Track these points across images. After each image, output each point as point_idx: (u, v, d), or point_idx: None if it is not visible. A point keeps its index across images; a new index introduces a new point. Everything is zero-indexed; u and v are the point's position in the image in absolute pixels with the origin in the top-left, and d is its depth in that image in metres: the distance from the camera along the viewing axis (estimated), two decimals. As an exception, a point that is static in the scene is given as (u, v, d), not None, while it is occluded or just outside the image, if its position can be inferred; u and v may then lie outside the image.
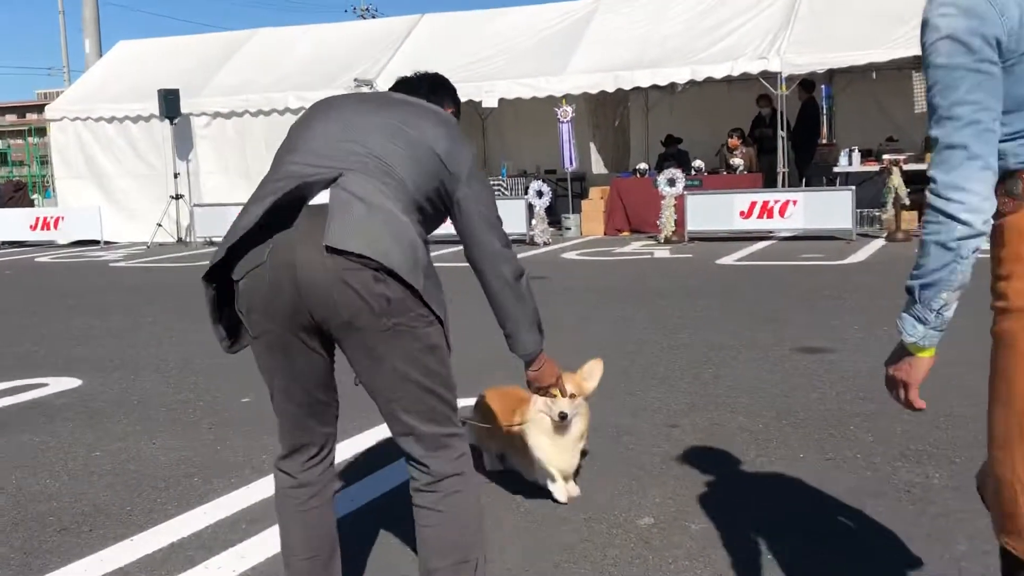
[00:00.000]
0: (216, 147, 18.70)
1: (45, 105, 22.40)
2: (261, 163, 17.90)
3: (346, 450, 4.77)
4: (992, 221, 1.92)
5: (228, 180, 18.61)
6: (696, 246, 14.31)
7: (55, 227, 19.50)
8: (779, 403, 5.42)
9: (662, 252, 13.85)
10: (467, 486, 2.74)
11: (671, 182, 14.89)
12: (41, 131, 31.01)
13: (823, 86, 16.98)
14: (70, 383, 6.71)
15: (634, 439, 4.86)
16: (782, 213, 14.46)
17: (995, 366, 2.00)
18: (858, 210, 14.23)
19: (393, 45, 18.48)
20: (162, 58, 20.19)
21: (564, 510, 3.94)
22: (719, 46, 15.84)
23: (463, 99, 3.49)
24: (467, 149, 2.79)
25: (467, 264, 2.84)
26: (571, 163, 16.60)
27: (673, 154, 17.12)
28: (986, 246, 2.01)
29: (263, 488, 4.38)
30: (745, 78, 15.75)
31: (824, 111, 17.13)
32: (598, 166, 19.98)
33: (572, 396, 3.82)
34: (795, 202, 14.45)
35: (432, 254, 2.68)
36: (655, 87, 16.93)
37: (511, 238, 2.93)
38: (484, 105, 16.73)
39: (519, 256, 2.89)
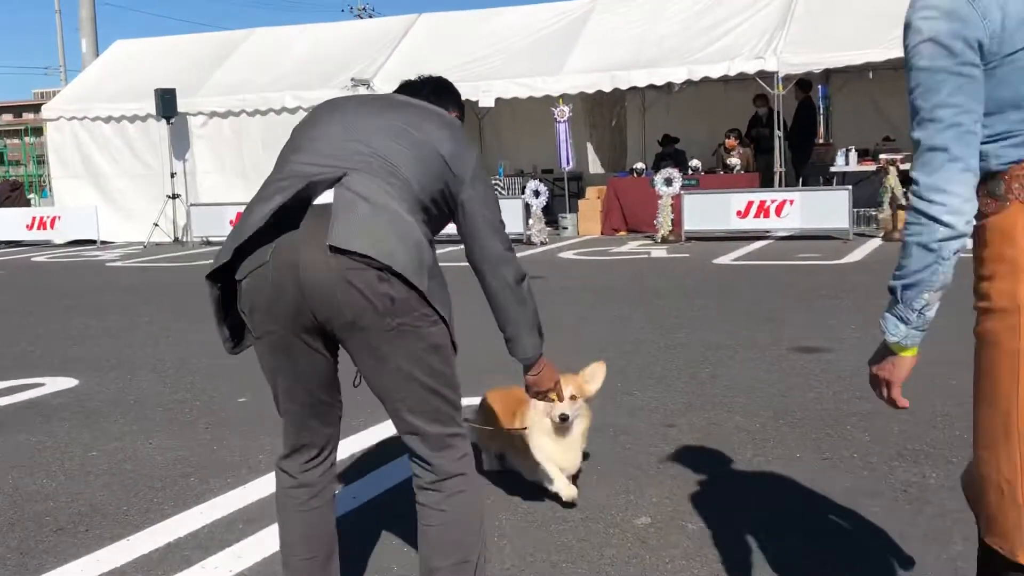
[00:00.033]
0: (213, 147, 18.68)
1: (42, 104, 22.39)
2: (258, 163, 17.92)
3: (347, 447, 4.77)
4: (974, 222, 1.94)
5: (225, 180, 18.60)
6: (693, 246, 14.32)
7: (51, 227, 19.47)
8: (776, 403, 5.42)
9: (659, 252, 13.85)
10: (471, 486, 2.74)
11: (668, 182, 14.90)
12: (38, 131, 30.97)
13: (820, 86, 16.99)
14: (67, 383, 6.70)
15: (631, 439, 4.86)
16: (779, 213, 14.47)
17: (979, 366, 2.02)
18: (855, 210, 14.24)
19: (390, 45, 18.47)
20: (159, 57, 20.17)
21: (561, 510, 3.94)
22: (716, 46, 15.84)
23: (460, 99, 3.48)
24: (471, 152, 2.79)
25: (467, 264, 2.84)
26: (568, 163, 16.60)
27: (670, 154, 17.12)
28: (969, 246, 2.03)
29: (260, 488, 4.38)
30: (742, 78, 15.75)
31: (821, 111, 17.15)
32: (595, 166, 19.97)
33: (573, 397, 3.80)
34: (792, 202, 14.46)
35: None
36: (652, 87, 16.94)
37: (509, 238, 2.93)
38: (481, 105, 16.72)
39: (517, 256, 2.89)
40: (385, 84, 16.93)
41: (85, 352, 7.80)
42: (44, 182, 24.98)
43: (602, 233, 16.57)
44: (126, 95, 18.96)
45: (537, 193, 15.66)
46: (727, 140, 16.43)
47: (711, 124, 17.39)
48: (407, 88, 3.10)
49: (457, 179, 2.72)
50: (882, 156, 14.36)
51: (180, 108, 18.04)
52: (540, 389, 3.17)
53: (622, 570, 3.41)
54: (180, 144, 18.57)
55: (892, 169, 13.62)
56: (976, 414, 2.05)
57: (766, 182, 15.85)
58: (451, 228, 2.81)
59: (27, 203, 23.64)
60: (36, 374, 7.02)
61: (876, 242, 13.53)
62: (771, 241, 14.46)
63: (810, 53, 14.88)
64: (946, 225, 1.88)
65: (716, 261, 12.39)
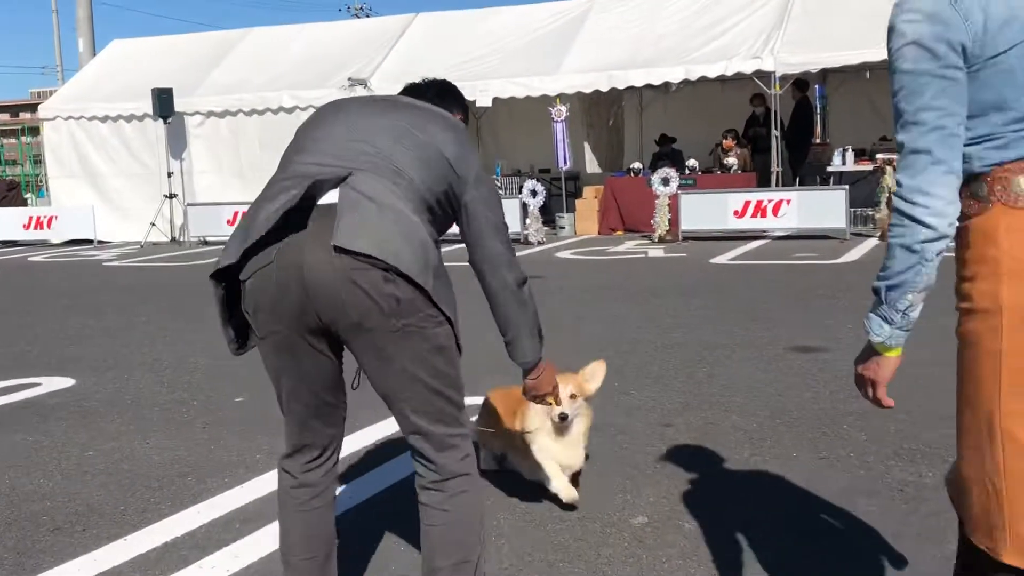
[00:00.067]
0: (210, 146, 18.67)
1: (38, 104, 22.37)
2: (255, 162, 17.93)
3: (346, 446, 4.75)
4: (957, 224, 1.96)
5: (222, 179, 18.60)
6: (690, 245, 14.32)
7: (48, 226, 19.46)
8: (773, 402, 5.43)
9: (656, 251, 13.86)
10: (473, 486, 2.74)
11: (665, 181, 14.90)
12: (34, 130, 30.93)
13: (817, 85, 16.99)
14: (63, 383, 6.70)
15: (628, 438, 4.87)
16: (776, 212, 14.47)
17: (961, 367, 2.03)
18: (852, 209, 14.26)
19: (387, 44, 18.47)
20: (156, 57, 20.15)
21: (558, 510, 3.94)
22: (713, 45, 15.85)
23: (457, 98, 3.48)
24: (475, 154, 2.80)
25: (467, 264, 2.84)
26: (565, 162, 16.61)
27: (667, 153, 17.12)
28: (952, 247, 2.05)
29: (257, 487, 4.38)
30: (739, 77, 15.76)
31: (818, 110, 17.15)
32: (592, 165, 19.98)
33: (573, 396, 3.79)
34: (789, 201, 14.47)
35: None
36: (649, 86, 16.95)
37: (505, 237, 2.93)
38: (478, 104, 16.71)
39: (513, 256, 2.89)
40: (382, 84, 16.93)
41: (82, 352, 7.80)
42: (41, 182, 24.99)
43: (599, 233, 16.57)
44: (123, 95, 18.95)
45: (534, 193, 15.66)
46: (724, 141, 16.43)
47: (708, 124, 17.39)
48: (411, 90, 3.10)
49: (461, 181, 2.72)
50: (879, 156, 14.36)
51: (177, 108, 18.03)
52: (538, 393, 3.17)
53: (619, 569, 3.42)
54: (177, 144, 18.56)
55: (889, 169, 13.62)
56: (959, 414, 2.06)
57: (763, 182, 15.86)
58: (452, 228, 2.81)
59: (24, 203, 23.62)
60: (33, 374, 7.02)
61: (873, 242, 13.55)
62: (768, 241, 14.47)
63: (807, 53, 14.90)
64: (929, 227, 1.90)
65: (713, 261, 12.39)
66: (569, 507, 3.91)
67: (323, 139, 2.72)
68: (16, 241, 19.68)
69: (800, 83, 16.24)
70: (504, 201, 3.11)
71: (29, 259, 16.84)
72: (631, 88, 16.82)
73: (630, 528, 3.77)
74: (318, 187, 2.53)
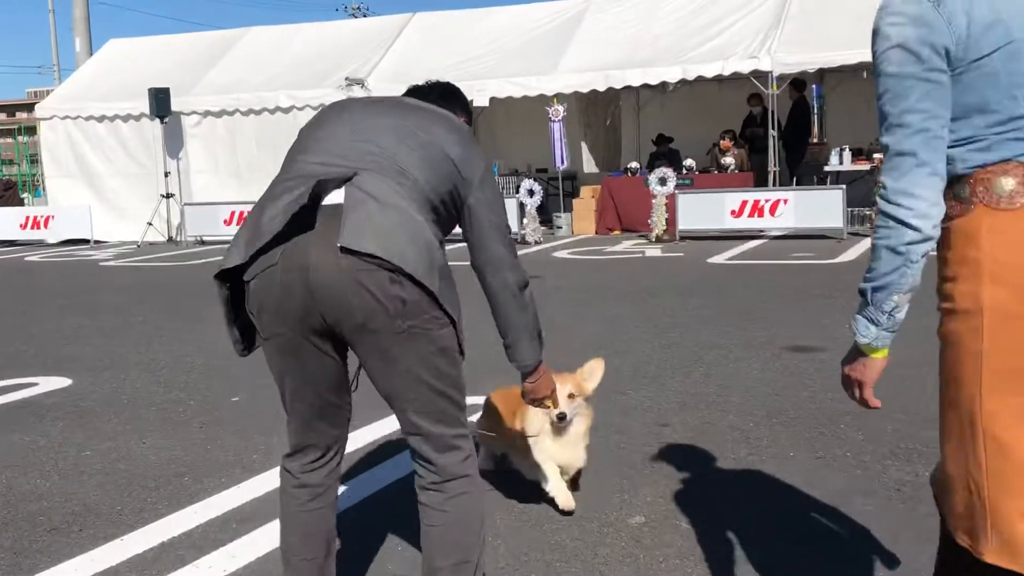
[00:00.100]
0: (207, 146, 18.66)
1: (35, 104, 22.35)
2: (252, 162, 17.94)
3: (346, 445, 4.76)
4: (941, 225, 1.97)
5: (218, 179, 18.59)
6: (687, 245, 14.33)
7: (45, 226, 19.45)
8: (770, 402, 5.43)
9: (653, 251, 13.86)
10: (473, 487, 2.74)
11: (662, 181, 14.91)
12: (31, 130, 30.90)
13: (814, 85, 17.00)
14: (60, 382, 6.69)
15: (625, 438, 4.87)
16: (773, 212, 14.48)
17: (943, 367, 2.05)
18: (849, 209, 14.26)
19: (384, 44, 18.46)
20: (152, 57, 20.14)
21: (556, 510, 3.94)
22: (710, 45, 15.86)
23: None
24: (480, 155, 2.79)
25: (466, 264, 2.83)
26: (562, 162, 16.61)
27: (664, 153, 17.13)
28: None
29: (254, 487, 4.38)
30: (736, 77, 15.77)
31: (815, 110, 17.15)
32: (589, 165, 20.00)
33: (571, 396, 3.77)
34: (786, 201, 14.48)
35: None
36: (646, 86, 16.95)
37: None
38: (475, 104, 16.70)
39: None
40: (379, 83, 16.93)
41: (79, 352, 7.79)
42: (37, 181, 24.98)
43: (596, 232, 16.57)
44: (120, 94, 18.94)
45: (532, 192, 15.66)
46: (722, 141, 16.44)
47: (705, 123, 17.40)
48: (414, 92, 3.09)
49: (466, 182, 2.71)
50: (876, 155, 14.36)
51: (174, 107, 18.01)
52: (536, 396, 3.17)
53: (616, 569, 3.42)
54: (174, 143, 18.55)
55: (886, 169, 13.61)
56: (942, 414, 2.08)
57: (760, 181, 15.87)
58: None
59: (20, 202, 23.62)
60: (30, 374, 7.01)
61: (870, 241, 13.52)
62: (765, 240, 14.48)
63: (804, 53, 14.91)
64: (914, 229, 1.92)
65: (710, 260, 12.40)
66: (566, 513, 3.89)
67: (327, 139, 2.71)
68: (13, 241, 19.67)
69: (797, 83, 16.25)
70: (502, 201, 3.10)
71: (26, 259, 16.82)
72: (628, 88, 16.82)
73: (627, 528, 3.77)
74: (323, 187, 2.51)
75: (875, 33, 1.98)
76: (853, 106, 17.40)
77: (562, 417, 3.76)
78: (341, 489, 4.18)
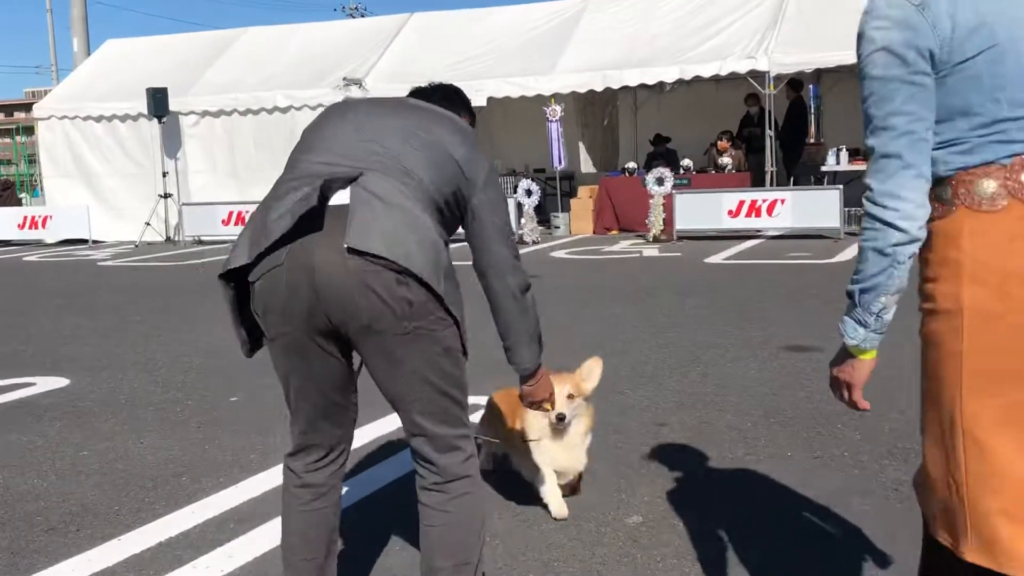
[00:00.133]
0: (204, 146, 18.65)
1: (33, 104, 22.34)
2: (250, 162, 17.93)
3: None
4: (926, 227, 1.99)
5: (216, 179, 18.58)
6: (684, 245, 14.34)
7: (43, 226, 19.43)
8: (767, 401, 5.44)
9: (651, 251, 13.86)
10: (475, 488, 2.74)
11: (660, 181, 14.91)
12: (29, 130, 30.87)
13: (811, 85, 17.00)
14: (58, 382, 6.69)
15: (623, 438, 4.87)
16: (770, 212, 14.49)
17: (925, 366, 2.06)
18: (845, 209, 14.26)
19: (382, 44, 18.46)
20: (150, 57, 20.13)
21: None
22: (707, 45, 15.87)
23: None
24: (484, 157, 2.79)
25: (469, 263, 2.83)
26: (560, 162, 16.61)
27: (662, 153, 17.14)
28: None
29: (251, 487, 4.38)
30: (733, 77, 15.77)
31: (812, 110, 17.15)
32: (587, 165, 20.00)
33: (570, 396, 3.75)
34: (783, 201, 14.48)
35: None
36: (644, 86, 16.95)
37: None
38: (473, 104, 16.70)
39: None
40: (377, 83, 16.93)
41: (76, 351, 7.79)
42: (35, 181, 24.97)
43: (594, 232, 16.57)
44: (117, 94, 18.92)
45: (529, 192, 15.67)
46: (719, 142, 16.45)
47: (703, 123, 17.40)
48: (417, 94, 3.08)
49: (470, 183, 2.71)
50: (873, 156, 14.35)
51: (172, 107, 18.01)
52: (535, 399, 3.17)
53: (614, 569, 3.42)
54: (172, 143, 18.54)
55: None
56: (923, 413, 2.09)
57: (757, 181, 15.87)
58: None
59: (18, 202, 23.61)
60: (27, 374, 7.01)
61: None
62: (762, 240, 14.48)
63: (801, 53, 14.92)
64: (900, 230, 1.93)
65: (707, 260, 12.40)
66: (558, 519, 3.88)
67: (331, 139, 2.70)
68: (11, 241, 19.65)
69: (794, 83, 16.26)
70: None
71: (24, 259, 16.81)
72: (626, 88, 16.83)
73: (625, 527, 3.77)
74: (328, 187, 2.51)
75: (860, 37, 1.99)
76: (850, 106, 17.38)
77: (561, 418, 3.73)
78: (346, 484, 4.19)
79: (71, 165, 19.34)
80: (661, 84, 17.14)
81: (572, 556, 3.53)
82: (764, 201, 14.58)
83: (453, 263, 2.59)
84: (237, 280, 2.63)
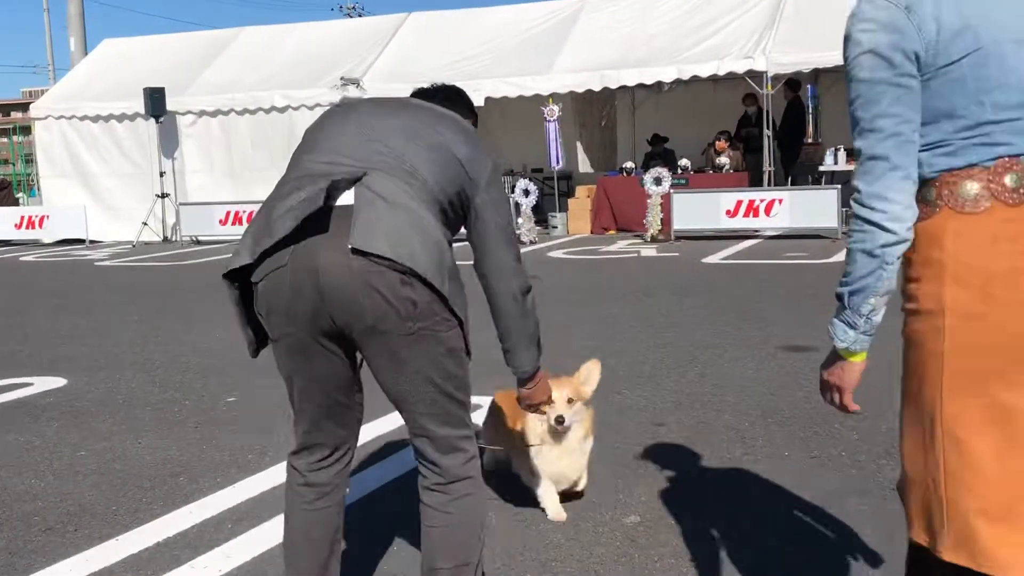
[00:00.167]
0: (202, 146, 18.64)
1: (30, 103, 22.32)
2: (247, 162, 17.92)
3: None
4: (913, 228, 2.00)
5: (214, 179, 18.58)
6: (682, 245, 14.34)
7: (40, 226, 19.42)
8: (764, 401, 5.44)
9: (648, 251, 13.87)
10: (476, 489, 2.73)
11: (657, 181, 14.92)
12: (26, 129, 30.89)
13: (809, 85, 17.03)
14: (55, 382, 6.68)
15: (620, 438, 4.87)
16: (768, 212, 14.50)
17: (906, 366, 2.08)
18: (843, 209, 14.26)
19: (380, 44, 18.46)
20: (148, 56, 20.12)
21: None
22: (705, 45, 15.88)
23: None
24: (487, 157, 2.77)
25: (468, 263, 2.82)
26: (558, 162, 16.62)
27: (659, 153, 17.15)
28: None
29: (249, 487, 4.38)
30: (731, 77, 15.79)
31: (810, 110, 17.18)
32: (584, 165, 20.00)
33: (570, 400, 3.72)
34: (781, 201, 14.49)
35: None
36: (641, 86, 16.96)
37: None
38: (471, 104, 16.72)
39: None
40: (375, 83, 16.92)
41: (74, 351, 7.79)
42: (32, 181, 24.94)
43: (592, 232, 16.58)
44: (115, 94, 18.91)
45: (527, 192, 15.67)
46: (717, 142, 16.46)
47: (700, 123, 17.42)
48: (420, 95, 3.07)
49: (473, 183, 2.71)
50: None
51: (169, 107, 18.01)
52: (533, 402, 3.17)
53: (611, 569, 3.42)
54: (169, 143, 18.53)
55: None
56: (903, 413, 2.11)
57: (755, 181, 15.89)
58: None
59: (15, 202, 23.58)
60: (24, 374, 7.00)
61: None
62: (760, 240, 14.49)
63: (799, 53, 14.93)
64: (889, 231, 1.94)
65: (705, 260, 12.41)
66: (555, 520, 3.88)
67: (334, 138, 2.69)
68: (8, 241, 19.64)
69: (792, 83, 16.28)
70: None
71: (21, 259, 16.80)
72: (623, 88, 16.85)
73: (622, 527, 3.77)
74: (333, 187, 2.50)
75: (846, 39, 2.01)
76: (848, 106, 17.42)
77: (560, 421, 3.71)
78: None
79: (68, 165, 19.33)
80: (659, 84, 17.15)
81: (570, 556, 3.53)
82: (762, 201, 14.58)
83: (459, 262, 2.59)
84: (242, 280, 2.62)
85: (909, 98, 1.95)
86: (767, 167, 15.60)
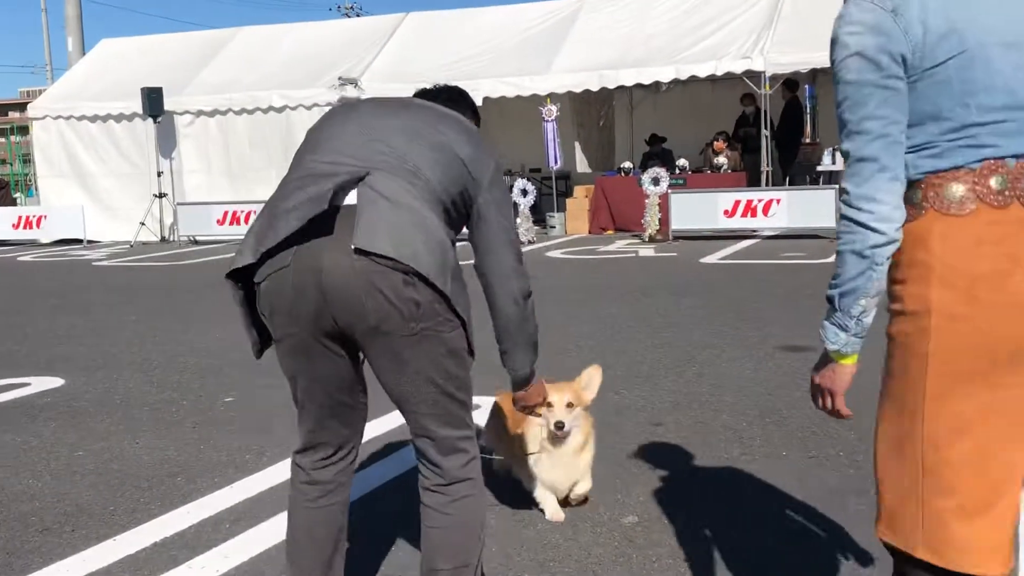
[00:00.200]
0: (199, 145, 18.64)
1: (27, 103, 22.30)
2: (245, 161, 17.92)
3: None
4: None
5: (211, 179, 18.58)
6: (680, 245, 14.35)
7: (38, 226, 19.41)
8: (762, 401, 5.44)
9: (646, 251, 13.87)
10: (477, 490, 2.73)
11: (655, 181, 14.93)
12: (24, 129, 30.83)
13: (806, 85, 17.04)
14: (53, 382, 6.68)
15: (618, 438, 4.87)
16: (766, 212, 14.50)
17: (889, 366, 2.08)
18: (841, 209, 14.27)
19: (378, 44, 18.45)
20: (145, 56, 20.11)
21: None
22: (703, 45, 15.89)
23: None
24: (490, 156, 2.76)
25: (468, 262, 2.81)
26: (556, 162, 16.62)
27: (657, 153, 17.16)
28: None
29: (246, 487, 4.38)
30: (729, 77, 15.80)
31: (807, 110, 17.19)
32: (583, 165, 20.00)
33: (570, 405, 3.71)
34: (778, 201, 14.50)
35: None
36: (639, 86, 16.98)
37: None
38: (469, 104, 16.70)
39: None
40: (373, 83, 16.92)
41: (71, 351, 7.78)
42: (30, 181, 24.90)
43: (590, 232, 16.59)
44: (112, 94, 18.91)
45: (525, 192, 15.68)
46: (715, 143, 16.47)
47: (698, 123, 17.43)
48: (423, 96, 3.06)
49: (476, 182, 2.70)
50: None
51: (167, 107, 18.00)
52: (527, 403, 3.17)
53: (609, 569, 3.42)
54: (167, 143, 18.52)
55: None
56: (881, 411, 2.10)
57: (753, 181, 15.89)
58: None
59: (13, 202, 23.55)
60: (22, 374, 6.99)
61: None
62: (758, 240, 14.50)
63: (797, 53, 14.93)
64: (878, 232, 1.95)
65: (703, 260, 12.41)
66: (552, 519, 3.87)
67: (337, 138, 2.68)
68: (5, 241, 19.62)
69: (790, 83, 16.29)
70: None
71: (18, 259, 16.79)
72: (621, 88, 16.86)
73: (620, 528, 3.77)
74: (335, 187, 2.49)
75: (834, 42, 2.02)
76: (846, 106, 17.42)
77: (560, 426, 3.69)
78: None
79: (66, 165, 19.33)
80: (657, 84, 17.15)
81: (567, 556, 3.53)
82: (760, 201, 14.59)
83: (461, 261, 2.58)
84: (245, 280, 2.61)
85: (896, 100, 1.96)
86: (765, 167, 15.61)
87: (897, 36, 1.94)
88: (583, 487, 3.91)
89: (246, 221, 17.16)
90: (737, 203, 14.67)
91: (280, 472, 4.50)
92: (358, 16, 46.03)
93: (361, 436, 2.88)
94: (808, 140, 17.18)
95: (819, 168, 15.92)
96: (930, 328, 1.96)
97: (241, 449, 4.95)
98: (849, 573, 3.32)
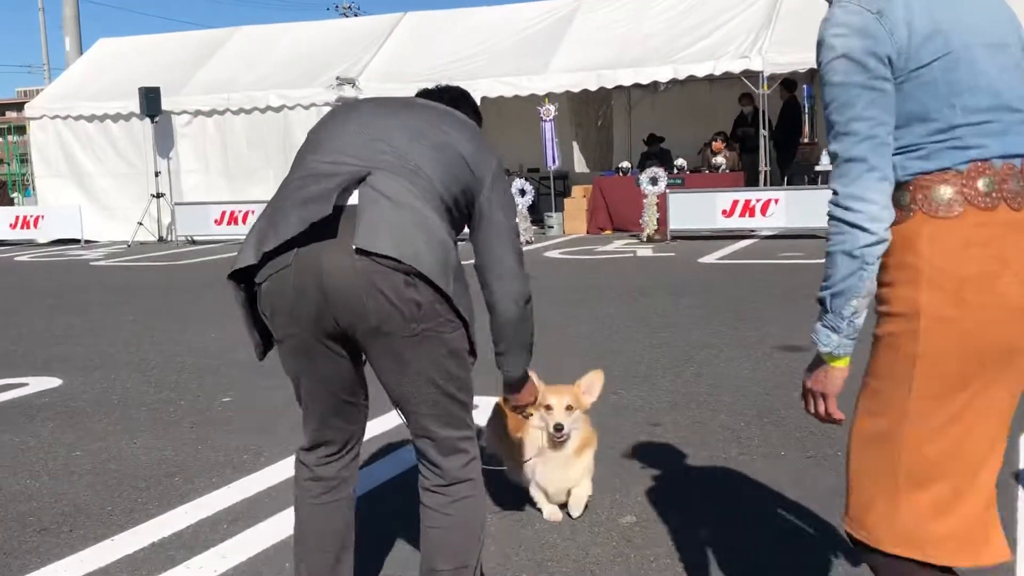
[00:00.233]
0: (197, 145, 18.63)
1: (25, 103, 22.28)
2: (242, 161, 17.91)
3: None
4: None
5: (209, 179, 18.57)
6: (678, 245, 14.35)
7: (35, 226, 19.39)
8: (761, 401, 5.44)
9: (644, 251, 13.88)
10: (477, 491, 2.72)
11: (653, 181, 14.93)
12: (21, 129, 30.78)
13: (805, 85, 17.04)
14: (50, 382, 6.67)
15: (617, 438, 4.87)
16: (764, 212, 14.51)
17: (875, 367, 2.08)
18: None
19: (375, 43, 18.45)
20: (143, 56, 20.10)
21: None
22: (701, 45, 15.89)
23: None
24: (492, 155, 2.76)
25: (468, 261, 2.80)
26: (554, 162, 16.62)
27: (655, 153, 17.16)
28: None
29: (244, 487, 4.37)
30: (727, 77, 15.81)
31: (806, 110, 17.19)
32: (581, 165, 20.01)
33: (569, 408, 3.70)
34: (777, 201, 14.51)
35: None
36: (637, 86, 16.98)
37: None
38: (467, 104, 16.70)
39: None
40: (370, 83, 16.91)
41: (69, 351, 7.77)
42: (27, 181, 24.89)
43: (588, 232, 16.59)
44: (110, 93, 18.90)
45: (523, 192, 15.67)
46: (714, 143, 16.48)
47: (697, 123, 17.43)
48: (425, 96, 3.05)
49: (478, 181, 2.69)
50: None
51: (164, 106, 17.99)
52: (519, 403, 3.17)
53: (607, 569, 3.42)
54: (164, 143, 18.51)
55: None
56: (858, 409, 2.11)
57: (751, 181, 15.90)
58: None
59: (10, 202, 23.52)
60: (19, 374, 6.99)
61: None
62: (756, 240, 14.50)
63: (795, 52, 14.92)
64: (868, 232, 1.95)
65: (701, 260, 12.42)
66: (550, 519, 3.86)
67: (338, 138, 2.67)
68: (2, 241, 19.60)
69: (788, 83, 16.29)
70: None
71: (15, 259, 16.77)
72: (619, 87, 16.85)
73: (618, 527, 3.77)
74: (337, 187, 2.48)
75: (820, 44, 2.02)
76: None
77: (559, 428, 3.68)
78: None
79: (63, 165, 19.31)
80: (655, 84, 17.16)
81: (566, 556, 3.53)
82: (758, 201, 14.60)
83: (463, 261, 2.57)
84: (247, 281, 2.61)
85: (883, 101, 1.97)
86: (763, 167, 15.61)
87: (883, 38, 1.95)
88: (581, 491, 3.89)
89: (244, 221, 17.17)
90: (735, 203, 14.67)
91: (278, 472, 4.50)
92: (356, 16, 46.07)
93: (364, 431, 2.88)
94: (806, 140, 17.19)
95: (817, 168, 15.92)
96: (919, 330, 1.97)
97: (239, 449, 4.95)
98: (847, 572, 3.32)
